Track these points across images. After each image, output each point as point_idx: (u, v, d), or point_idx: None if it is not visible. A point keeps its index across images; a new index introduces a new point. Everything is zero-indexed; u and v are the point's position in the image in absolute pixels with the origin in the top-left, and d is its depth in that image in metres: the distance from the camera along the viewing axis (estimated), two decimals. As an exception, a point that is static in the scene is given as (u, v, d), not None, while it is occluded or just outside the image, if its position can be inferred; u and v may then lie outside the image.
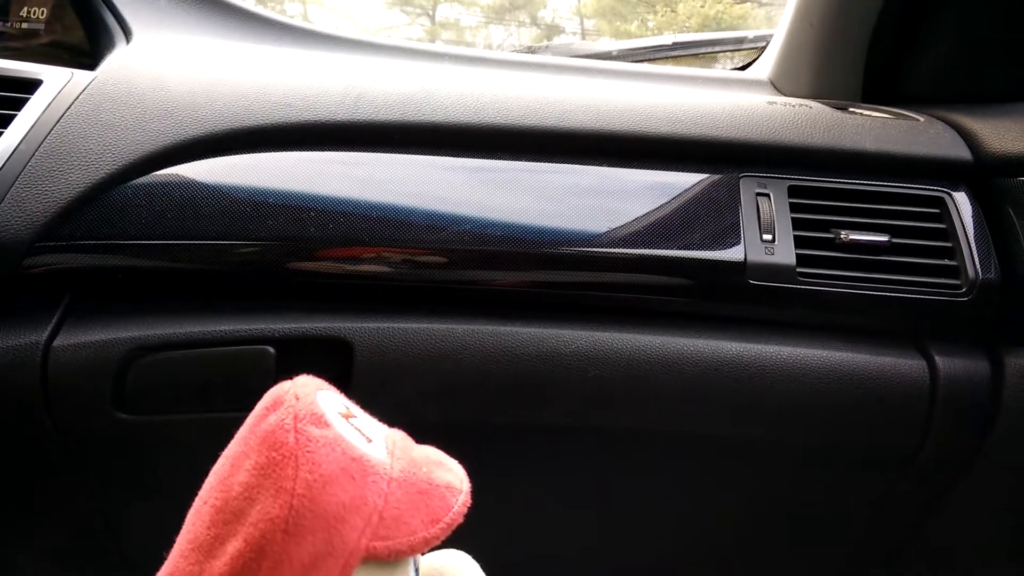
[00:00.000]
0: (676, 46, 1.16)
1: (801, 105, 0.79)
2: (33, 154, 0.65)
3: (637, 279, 0.71)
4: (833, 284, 0.69)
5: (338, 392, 0.45)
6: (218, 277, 0.68)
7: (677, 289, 0.71)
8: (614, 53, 1.16)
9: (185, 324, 0.67)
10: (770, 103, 0.79)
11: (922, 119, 0.79)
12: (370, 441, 0.42)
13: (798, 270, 0.69)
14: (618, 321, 0.71)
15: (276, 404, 0.41)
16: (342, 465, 0.39)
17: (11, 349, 0.64)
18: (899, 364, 0.70)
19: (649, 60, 1.15)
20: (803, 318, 0.71)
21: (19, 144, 0.65)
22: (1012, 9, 0.81)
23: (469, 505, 0.43)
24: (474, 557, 0.70)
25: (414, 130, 0.72)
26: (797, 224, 0.71)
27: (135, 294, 0.68)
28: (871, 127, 0.76)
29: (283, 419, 0.40)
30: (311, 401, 0.41)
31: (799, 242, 0.70)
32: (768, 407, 0.70)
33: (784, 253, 0.70)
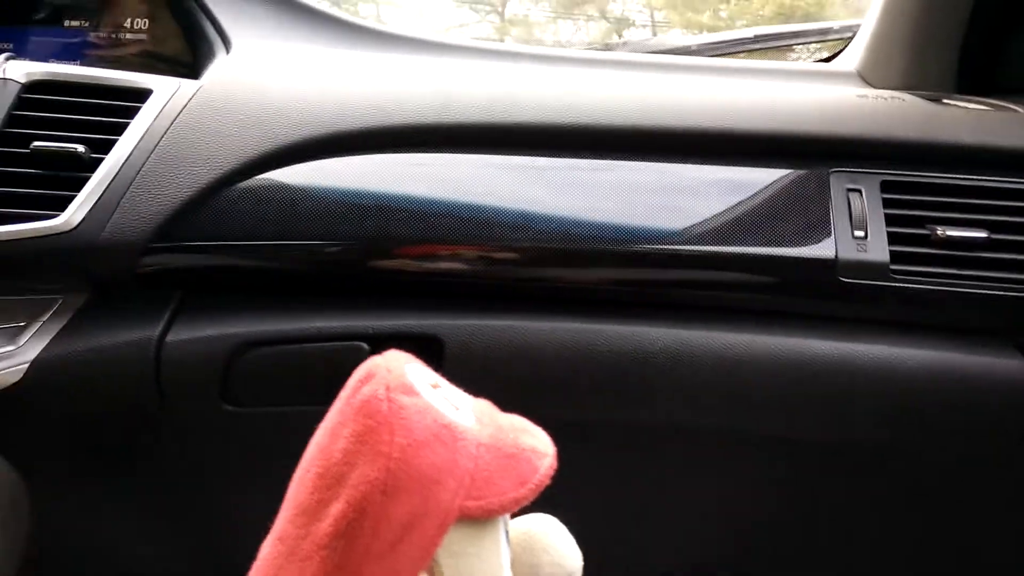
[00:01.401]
0: (758, 39, 1.14)
1: (893, 98, 0.78)
2: (146, 160, 0.69)
3: (725, 277, 0.71)
4: (928, 281, 0.68)
5: (425, 366, 0.47)
6: (317, 276, 0.71)
7: (766, 287, 0.70)
8: (693, 48, 1.15)
9: (287, 321, 0.70)
10: (860, 96, 0.78)
11: (1021, 110, 0.76)
12: (457, 409, 0.44)
13: (891, 267, 0.68)
14: (705, 319, 0.71)
15: (369, 376, 0.43)
16: (434, 431, 0.41)
17: (128, 344, 0.68)
18: (997, 364, 0.68)
19: (730, 54, 1.14)
20: (896, 316, 0.70)
21: (133, 151, 0.69)
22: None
23: (555, 468, 0.45)
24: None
25: (500, 131, 0.74)
26: (890, 220, 0.70)
27: (241, 292, 0.72)
28: (968, 119, 0.74)
29: (376, 389, 0.42)
30: (401, 372, 0.44)
31: (892, 238, 0.69)
32: (860, 407, 0.69)
33: (877, 250, 0.68)
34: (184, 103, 0.73)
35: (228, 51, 0.83)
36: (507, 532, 0.47)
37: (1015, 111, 0.76)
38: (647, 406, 0.72)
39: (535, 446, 0.45)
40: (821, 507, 0.78)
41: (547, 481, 0.44)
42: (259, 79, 0.77)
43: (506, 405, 0.71)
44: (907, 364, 0.69)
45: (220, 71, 0.79)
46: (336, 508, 0.40)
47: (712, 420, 0.72)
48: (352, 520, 0.40)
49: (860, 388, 0.69)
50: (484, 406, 0.48)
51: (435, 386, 0.45)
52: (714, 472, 0.77)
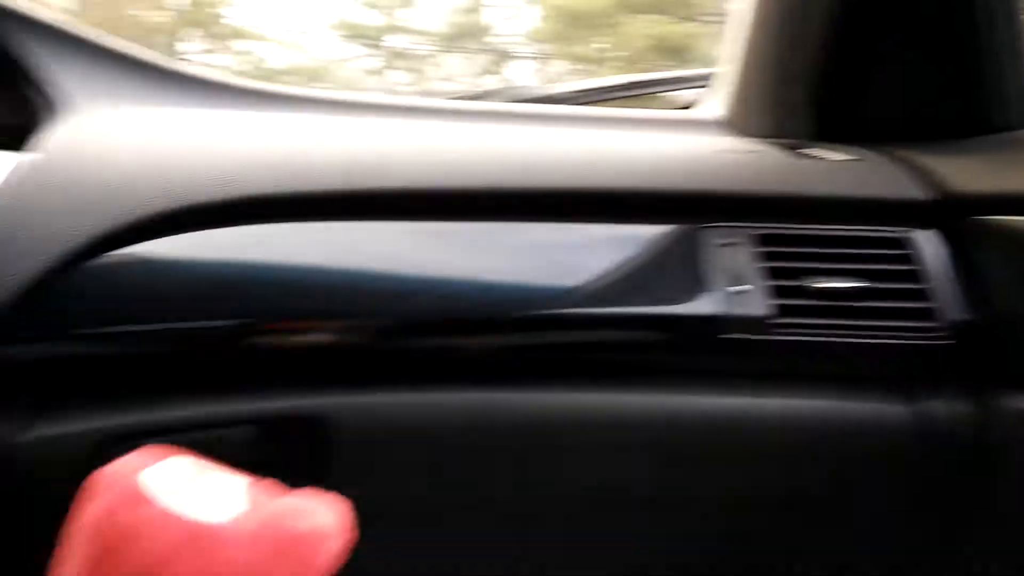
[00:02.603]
0: (631, 86, 1.15)
1: (754, 151, 0.79)
2: None
3: (610, 337, 0.70)
4: (808, 333, 0.68)
5: (173, 459, 0.43)
6: (186, 358, 0.65)
7: (652, 345, 0.70)
8: (563, 95, 1.15)
9: (160, 409, 0.64)
10: (729, 149, 0.79)
11: (881, 158, 0.79)
12: (217, 504, 0.40)
13: (770, 321, 0.68)
14: (598, 381, 0.70)
15: (96, 492, 0.39)
16: (182, 539, 0.37)
17: None
18: (882, 411, 0.69)
19: (600, 102, 1.14)
20: (781, 368, 0.70)
21: None
22: (961, 42, 0.81)
23: (347, 546, 0.41)
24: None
25: (367, 198, 0.70)
26: (767, 273, 0.70)
27: (104, 382, 0.65)
28: (828, 170, 0.76)
29: (106, 504, 0.38)
30: (132, 481, 0.39)
31: (770, 292, 0.69)
32: (755, 459, 0.69)
33: (755, 304, 0.68)
34: (16, 179, 0.65)
35: (67, 118, 0.76)
36: None
37: (873, 159, 0.79)
38: (550, 472, 0.70)
39: (316, 527, 0.41)
40: (719, 563, 0.77)
41: (336, 565, 0.40)
42: (102, 148, 0.71)
43: (401, 484, 0.68)
44: (794, 415, 0.69)
45: (56, 141, 0.72)
46: None
47: (614, 481, 0.71)
48: None
49: (752, 440, 0.69)
50: (256, 490, 0.43)
51: (188, 481, 0.41)
52: (620, 536, 0.75)
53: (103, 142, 0.72)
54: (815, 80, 0.87)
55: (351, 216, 0.70)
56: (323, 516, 0.42)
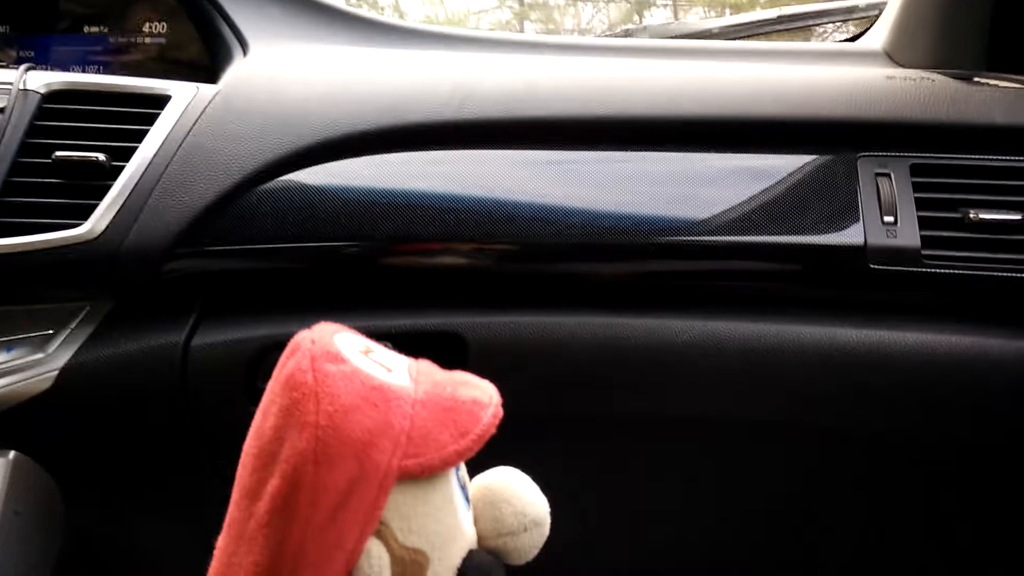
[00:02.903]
0: (781, 19, 1.12)
1: (922, 78, 0.76)
2: (166, 166, 0.69)
3: (752, 266, 0.70)
4: (962, 266, 0.66)
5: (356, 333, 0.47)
6: (338, 276, 0.71)
7: (794, 275, 0.69)
8: (715, 31, 1.13)
9: (310, 322, 0.70)
10: (887, 77, 0.76)
11: None
12: (391, 371, 0.44)
13: (923, 252, 0.66)
14: (732, 310, 0.70)
15: (295, 350, 0.43)
16: (362, 395, 0.41)
17: (153, 348, 0.69)
18: None
19: (753, 36, 1.12)
20: (929, 302, 0.68)
21: (153, 157, 0.69)
22: None
23: (500, 416, 0.44)
24: (583, 545, 0.71)
25: (519, 126, 0.73)
26: (921, 204, 0.68)
27: (264, 294, 0.72)
28: (1001, 98, 0.72)
29: (300, 361, 0.42)
30: (327, 342, 0.43)
31: (923, 223, 0.67)
32: (894, 395, 0.68)
33: (908, 235, 0.67)
34: (202, 108, 0.73)
35: (245, 54, 0.83)
36: (466, 488, 0.47)
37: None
38: (675, 399, 0.71)
39: (476, 397, 0.45)
40: (846, 498, 0.76)
41: (491, 431, 0.43)
42: (277, 81, 0.77)
43: (532, 400, 0.72)
44: (942, 351, 0.67)
45: (238, 74, 0.79)
46: (271, 484, 0.40)
47: (741, 411, 0.71)
48: (287, 494, 0.39)
49: (891, 376, 0.68)
50: (422, 366, 0.47)
51: (366, 351, 0.45)
52: (741, 464, 0.76)
53: (278, 77, 0.78)
54: (986, 6, 0.82)
55: (503, 144, 0.73)
56: (481, 389, 0.46)
